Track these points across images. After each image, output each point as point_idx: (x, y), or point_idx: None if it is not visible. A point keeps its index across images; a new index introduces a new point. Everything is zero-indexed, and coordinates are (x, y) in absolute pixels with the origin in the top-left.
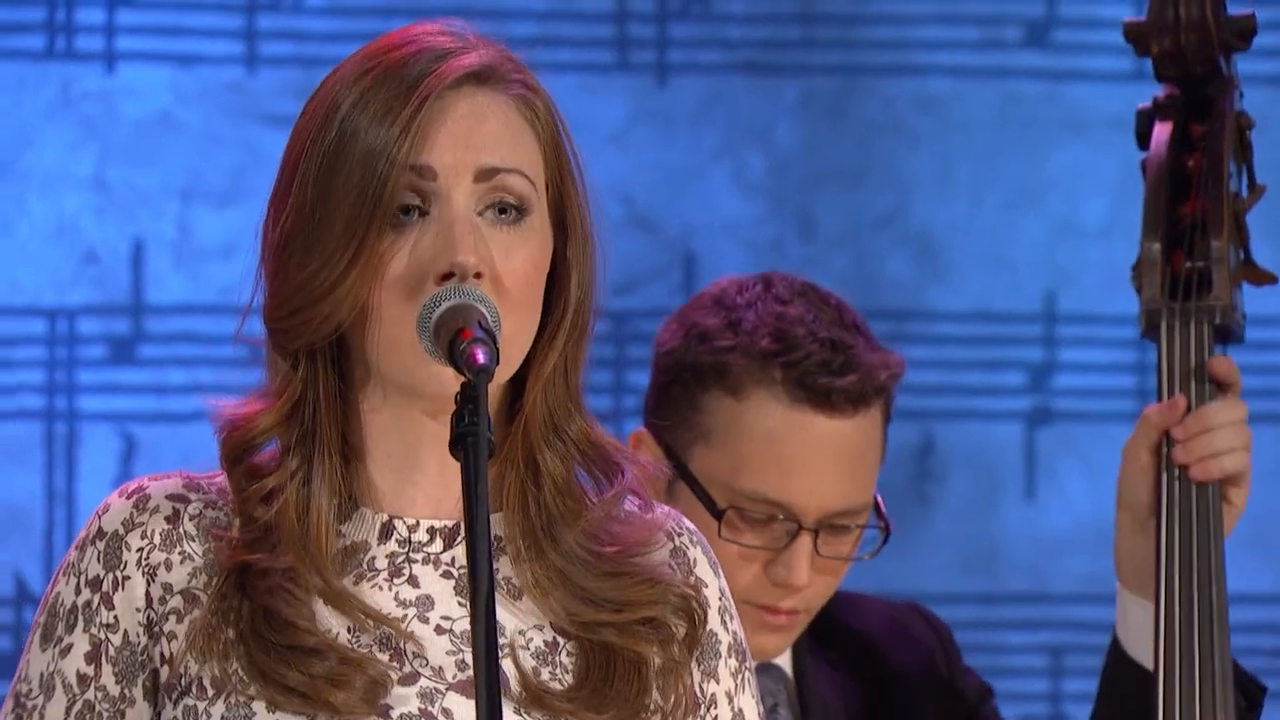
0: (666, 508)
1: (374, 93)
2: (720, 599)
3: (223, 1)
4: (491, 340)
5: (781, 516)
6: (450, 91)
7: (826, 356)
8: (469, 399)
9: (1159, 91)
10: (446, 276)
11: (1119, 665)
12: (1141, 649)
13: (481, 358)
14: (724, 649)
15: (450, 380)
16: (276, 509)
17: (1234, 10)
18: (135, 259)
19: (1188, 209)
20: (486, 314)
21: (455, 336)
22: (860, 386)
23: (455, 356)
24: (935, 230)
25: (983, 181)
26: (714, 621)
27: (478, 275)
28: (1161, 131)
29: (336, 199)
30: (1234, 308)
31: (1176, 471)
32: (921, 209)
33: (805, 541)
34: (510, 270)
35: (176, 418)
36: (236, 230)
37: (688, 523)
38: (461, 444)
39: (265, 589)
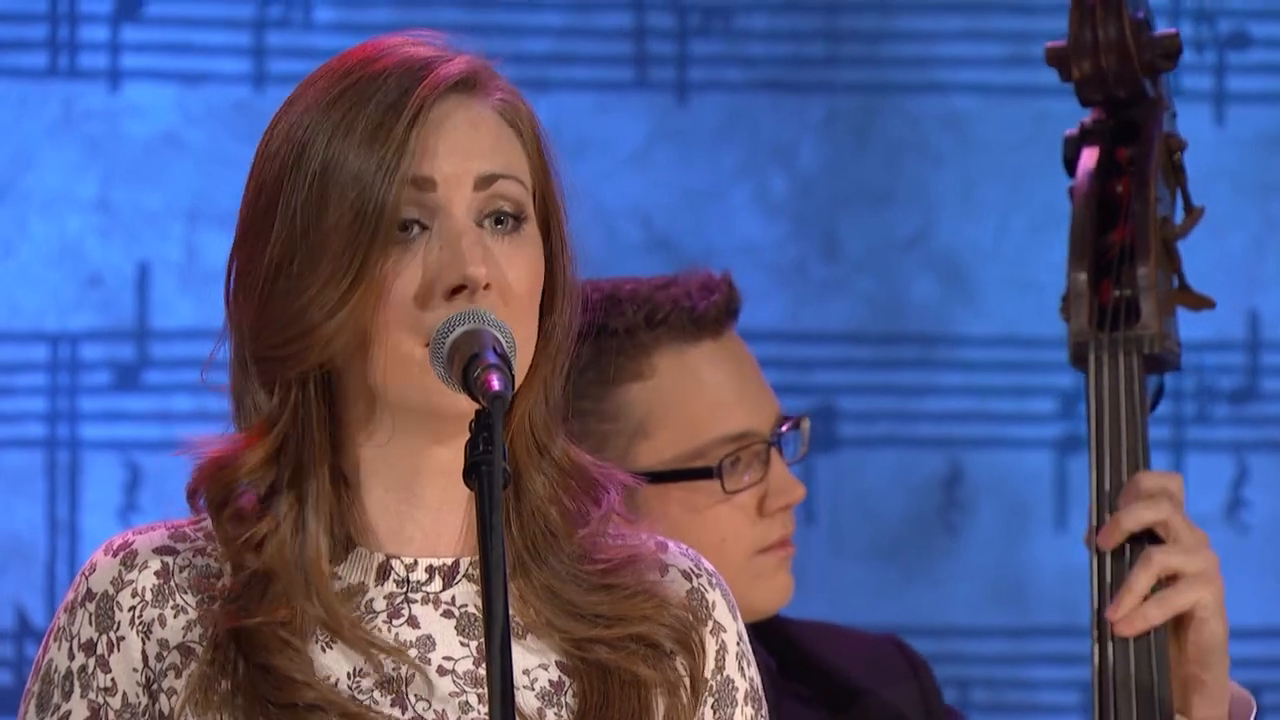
0: (683, 546)
1: (357, 111)
2: (738, 644)
3: (230, 18)
4: (507, 366)
5: (748, 445)
6: (441, 101)
7: (679, 295)
8: (484, 427)
9: (1085, 117)
10: (456, 290)
11: None
12: None
13: (497, 384)
14: (740, 696)
15: (467, 398)
16: (269, 555)
17: (1160, 29)
18: (140, 282)
19: (1116, 237)
20: (501, 339)
21: (470, 363)
22: (726, 302)
23: (470, 383)
24: (962, 252)
25: (1010, 202)
26: (731, 668)
27: (486, 287)
28: (1087, 158)
29: (331, 222)
30: (1165, 335)
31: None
32: (948, 230)
33: (776, 455)
34: (515, 279)
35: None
36: None
37: (707, 564)
38: (475, 473)
39: (260, 645)
